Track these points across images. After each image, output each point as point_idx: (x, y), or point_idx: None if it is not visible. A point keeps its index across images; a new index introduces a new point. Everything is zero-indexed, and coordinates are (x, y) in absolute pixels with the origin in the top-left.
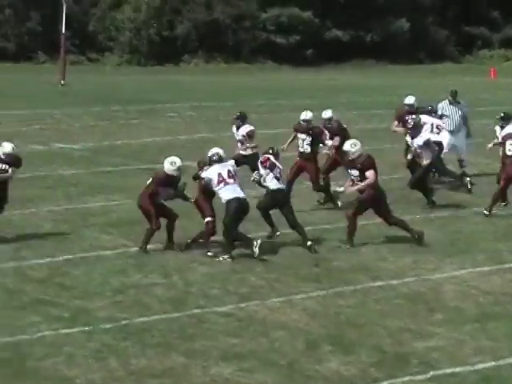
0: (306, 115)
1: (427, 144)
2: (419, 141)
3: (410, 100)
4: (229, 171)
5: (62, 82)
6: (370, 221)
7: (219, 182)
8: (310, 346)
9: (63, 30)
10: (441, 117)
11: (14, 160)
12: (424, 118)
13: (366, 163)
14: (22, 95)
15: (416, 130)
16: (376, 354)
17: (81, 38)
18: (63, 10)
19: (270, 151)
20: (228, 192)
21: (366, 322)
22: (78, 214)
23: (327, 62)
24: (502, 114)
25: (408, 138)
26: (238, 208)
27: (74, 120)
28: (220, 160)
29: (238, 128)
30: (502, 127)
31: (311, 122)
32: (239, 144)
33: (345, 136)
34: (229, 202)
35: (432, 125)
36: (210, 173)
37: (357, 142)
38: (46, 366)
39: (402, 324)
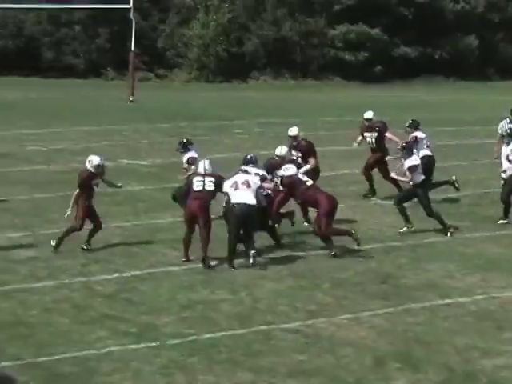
0: (369, 115)
1: (415, 168)
2: (410, 163)
3: (368, 115)
4: (246, 180)
5: (131, 98)
6: (437, 238)
7: (231, 186)
8: (377, 364)
9: (132, 47)
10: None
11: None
12: (419, 134)
13: None
14: (91, 111)
15: (409, 150)
16: (444, 371)
17: (149, 54)
18: (132, 27)
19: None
20: (236, 196)
21: (434, 339)
22: (146, 230)
23: (396, 78)
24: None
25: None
26: (238, 214)
27: (142, 136)
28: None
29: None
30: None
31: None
32: (184, 171)
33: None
34: (233, 206)
35: (426, 140)
36: (230, 180)
37: None
38: (114, 381)
39: (471, 342)
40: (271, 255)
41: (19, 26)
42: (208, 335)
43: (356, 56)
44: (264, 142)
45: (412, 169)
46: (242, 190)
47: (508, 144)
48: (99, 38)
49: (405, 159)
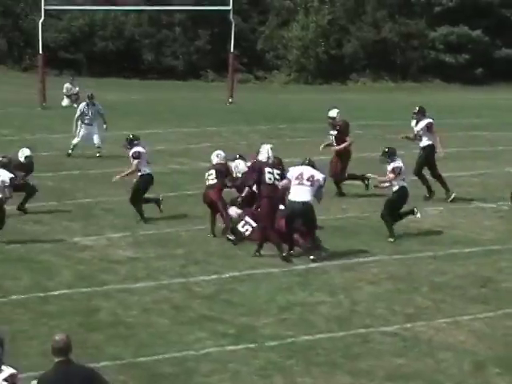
0: (332, 113)
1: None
2: (394, 164)
3: (332, 113)
4: (312, 176)
5: (230, 100)
6: None
7: (296, 179)
8: (476, 368)
9: (232, 49)
10: None
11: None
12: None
13: None
14: (191, 113)
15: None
16: None
17: (249, 56)
18: (232, 29)
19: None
20: (293, 192)
21: None
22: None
23: (497, 81)
24: (417, 108)
25: None
26: (295, 211)
27: (241, 138)
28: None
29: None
30: (418, 121)
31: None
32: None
33: None
34: (289, 201)
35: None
36: (296, 169)
37: None
38: (212, 382)
39: None
40: (370, 258)
41: (120, 28)
42: (306, 337)
43: (456, 58)
44: (363, 144)
45: (395, 170)
46: (305, 187)
47: (417, 122)
48: (199, 40)
49: (388, 164)
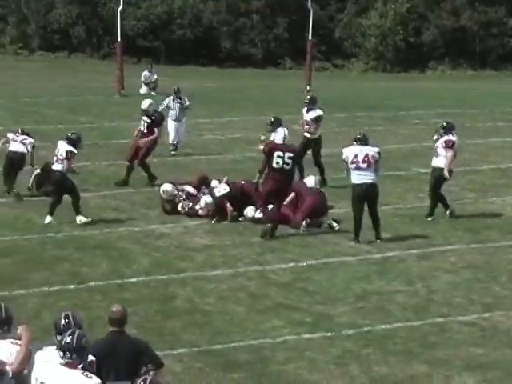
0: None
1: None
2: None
3: (144, 105)
4: (366, 155)
5: (308, 88)
6: None
7: (352, 163)
8: None
9: (310, 37)
10: None
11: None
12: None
13: None
14: (268, 101)
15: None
16: None
17: (327, 44)
18: (310, 17)
19: None
20: (355, 176)
21: None
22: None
23: None
24: (309, 97)
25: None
26: (361, 194)
27: None
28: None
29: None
30: (309, 110)
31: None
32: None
33: None
34: (354, 186)
35: None
36: (350, 150)
37: None
38: (288, 370)
39: None
40: (448, 247)
41: (198, 16)
42: (383, 326)
43: None
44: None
45: (448, 143)
46: (362, 170)
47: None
48: (277, 28)
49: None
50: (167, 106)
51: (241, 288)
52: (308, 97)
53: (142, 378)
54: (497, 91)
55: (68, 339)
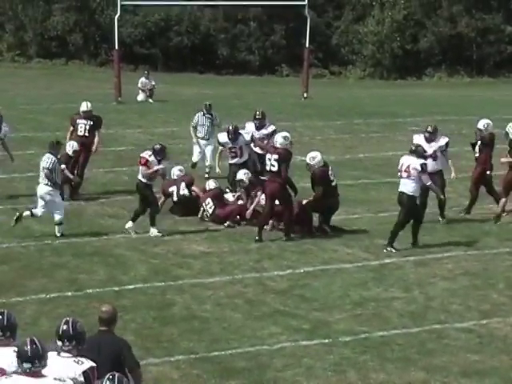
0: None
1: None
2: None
3: (84, 107)
4: (408, 166)
5: (305, 95)
6: None
7: (398, 171)
8: None
9: (307, 44)
10: None
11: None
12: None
13: None
14: (265, 108)
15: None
16: None
17: (324, 51)
18: (307, 24)
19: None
20: (400, 184)
21: None
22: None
23: None
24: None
25: None
26: (398, 201)
27: (315, 133)
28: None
29: None
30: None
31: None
32: None
33: None
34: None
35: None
36: (401, 159)
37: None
38: (286, 377)
39: None
40: (445, 254)
41: (195, 23)
42: (380, 333)
43: None
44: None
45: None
46: (402, 179)
47: None
48: (274, 35)
49: None
50: (196, 123)
51: (238, 295)
52: (258, 112)
53: (109, 374)
54: (494, 98)
55: (64, 327)
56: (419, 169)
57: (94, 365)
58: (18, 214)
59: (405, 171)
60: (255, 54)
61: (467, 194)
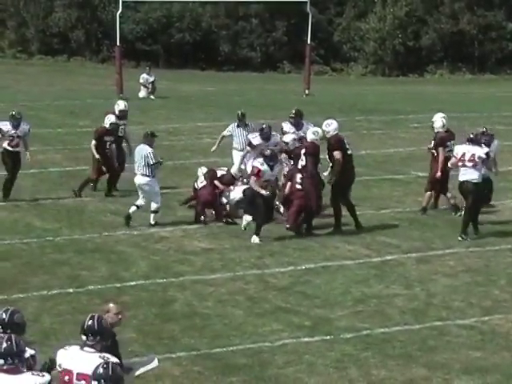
0: None
1: None
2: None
3: (120, 106)
4: (473, 155)
5: (307, 91)
6: None
7: (460, 161)
8: None
9: (309, 41)
10: None
11: None
12: None
13: None
14: (268, 104)
15: None
16: None
17: (325, 48)
18: (309, 20)
19: None
20: (461, 173)
21: None
22: (318, 224)
23: None
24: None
25: None
26: (463, 190)
27: None
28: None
29: None
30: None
31: None
32: None
33: None
34: (459, 183)
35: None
36: (460, 148)
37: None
38: (287, 373)
39: None
40: (447, 251)
41: (197, 19)
42: (382, 330)
43: None
44: None
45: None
46: (468, 168)
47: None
48: (276, 32)
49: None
50: (230, 134)
51: (239, 291)
52: (293, 111)
53: (103, 362)
54: (495, 95)
55: (90, 322)
56: (484, 157)
57: (118, 361)
58: (127, 213)
59: (469, 160)
60: (257, 51)
61: None
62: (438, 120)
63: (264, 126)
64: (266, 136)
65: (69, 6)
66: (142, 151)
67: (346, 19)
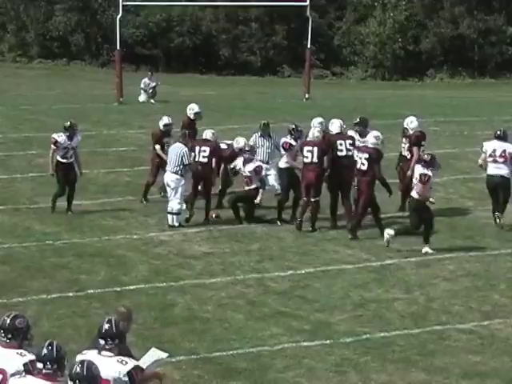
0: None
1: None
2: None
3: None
4: (504, 151)
5: (307, 95)
6: None
7: (490, 156)
8: None
9: (308, 45)
10: None
11: None
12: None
13: None
14: (268, 108)
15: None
16: None
17: (326, 52)
18: (309, 25)
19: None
20: (491, 168)
21: None
22: (318, 226)
23: None
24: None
25: None
26: (492, 183)
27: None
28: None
29: None
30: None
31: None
32: None
33: None
34: (487, 177)
35: None
36: (490, 145)
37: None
38: (287, 378)
39: None
40: (447, 255)
41: (197, 24)
42: (382, 334)
43: None
44: (440, 141)
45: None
46: (499, 164)
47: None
48: (276, 36)
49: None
50: (254, 144)
51: (239, 296)
52: (358, 119)
53: (79, 360)
54: (495, 99)
55: (107, 326)
56: None
57: (138, 364)
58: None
59: (501, 156)
60: (257, 55)
61: (469, 196)
62: (414, 121)
63: (292, 126)
64: (295, 136)
65: (69, 9)
66: (178, 150)
67: (345, 23)
